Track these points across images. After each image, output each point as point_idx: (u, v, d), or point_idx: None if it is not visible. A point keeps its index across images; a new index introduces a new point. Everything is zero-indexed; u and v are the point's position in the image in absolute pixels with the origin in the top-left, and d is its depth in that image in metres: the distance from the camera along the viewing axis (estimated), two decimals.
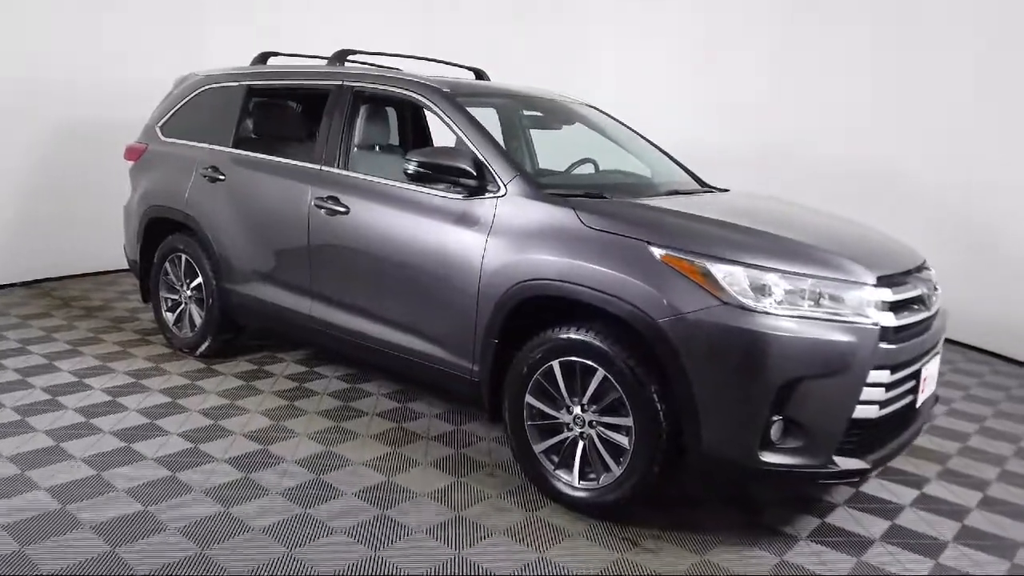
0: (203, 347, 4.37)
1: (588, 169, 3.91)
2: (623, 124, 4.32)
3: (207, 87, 4.52)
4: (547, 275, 2.85)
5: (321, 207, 3.62)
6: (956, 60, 5.20)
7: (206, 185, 4.21)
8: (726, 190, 3.86)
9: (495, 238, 3.02)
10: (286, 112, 4.48)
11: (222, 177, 4.14)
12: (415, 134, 5.04)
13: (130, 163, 4.80)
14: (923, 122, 5.37)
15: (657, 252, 2.63)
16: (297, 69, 4.18)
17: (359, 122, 3.79)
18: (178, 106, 4.64)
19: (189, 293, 4.41)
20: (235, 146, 4.21)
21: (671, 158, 4.21)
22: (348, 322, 3.61)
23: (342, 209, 3.54)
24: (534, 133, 4.37)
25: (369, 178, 3.54)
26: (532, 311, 2.97)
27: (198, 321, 4.38)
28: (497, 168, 3.13)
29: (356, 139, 3.78)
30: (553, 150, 4.22)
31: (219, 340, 4.37)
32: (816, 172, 5.86)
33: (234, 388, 4.00)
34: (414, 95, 3.53)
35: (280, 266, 3.89)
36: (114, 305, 5.54)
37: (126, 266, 5.05)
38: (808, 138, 5.92)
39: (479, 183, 3.12)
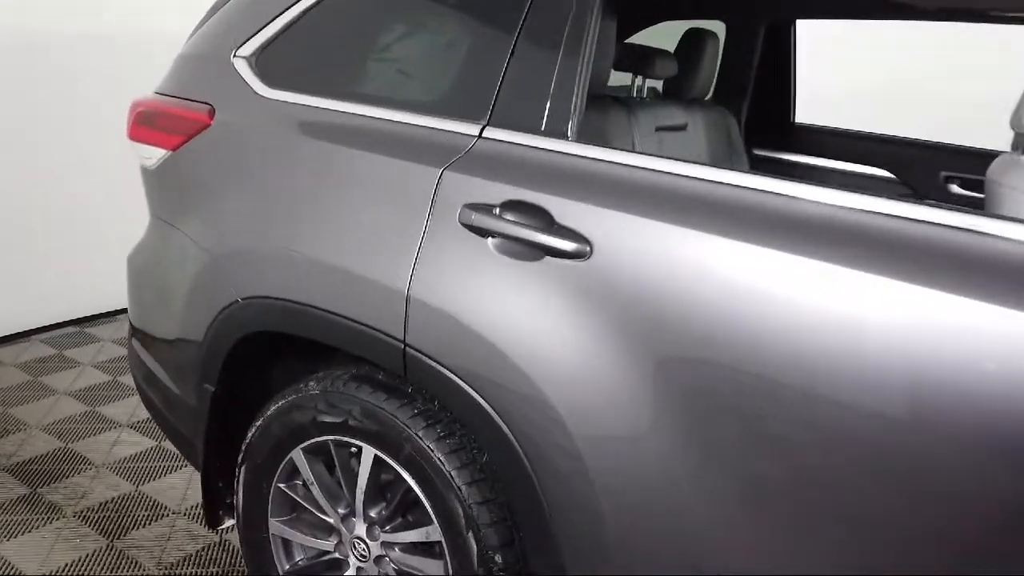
0: None
1: None
2: None
3: None
4: None
5: None
6: None
7: (490, 262, 1.31)
8: None
9: None
10: None
11: (568, 247, 1.24)
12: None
13: (152, 152, 1.79)
14: None
15: None
16: None
17: None
18: (309, 3, 1.66)
19: (378, 549, 1.52)
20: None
21: None
22: None
23: None
24: None
25: None
26: None
27: None
28: None
29: None
30: None
31: None
32: None
33: None
34: None
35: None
36: (89, 469, 2.47)
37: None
38: None
39: None
